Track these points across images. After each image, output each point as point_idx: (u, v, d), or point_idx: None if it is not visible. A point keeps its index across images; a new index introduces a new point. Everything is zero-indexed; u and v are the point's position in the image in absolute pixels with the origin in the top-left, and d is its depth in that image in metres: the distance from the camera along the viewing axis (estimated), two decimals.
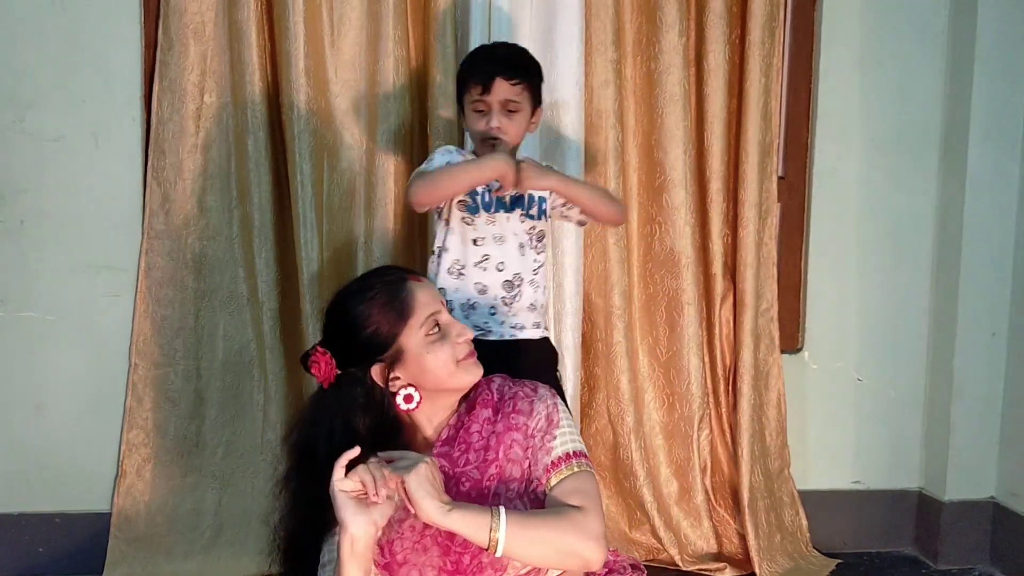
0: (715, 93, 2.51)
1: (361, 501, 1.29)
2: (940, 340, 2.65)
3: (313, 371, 1.43)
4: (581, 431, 2.50)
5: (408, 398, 1.45)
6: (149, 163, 2.38)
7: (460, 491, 1.42)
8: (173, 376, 2.42)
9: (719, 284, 2.58)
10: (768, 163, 2.52)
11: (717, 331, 2.60)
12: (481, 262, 1.98)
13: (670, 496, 2.58)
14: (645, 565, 1.80)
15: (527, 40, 2.33)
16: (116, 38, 2.36)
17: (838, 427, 2.71)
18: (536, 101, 2.01)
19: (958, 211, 2.57)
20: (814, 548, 2.61)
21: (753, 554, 2.49)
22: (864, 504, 2.72)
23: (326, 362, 1.43)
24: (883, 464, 2.72)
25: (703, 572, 2.50)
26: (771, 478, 2.59)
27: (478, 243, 1.98)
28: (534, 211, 2.02)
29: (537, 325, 2.04)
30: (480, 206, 1.97)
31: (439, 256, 2.01)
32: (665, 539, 2.51)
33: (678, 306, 2.54)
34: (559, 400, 1.53)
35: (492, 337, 1.96)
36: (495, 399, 1.51)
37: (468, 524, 1.31)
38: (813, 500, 2.64)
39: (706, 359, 2.59)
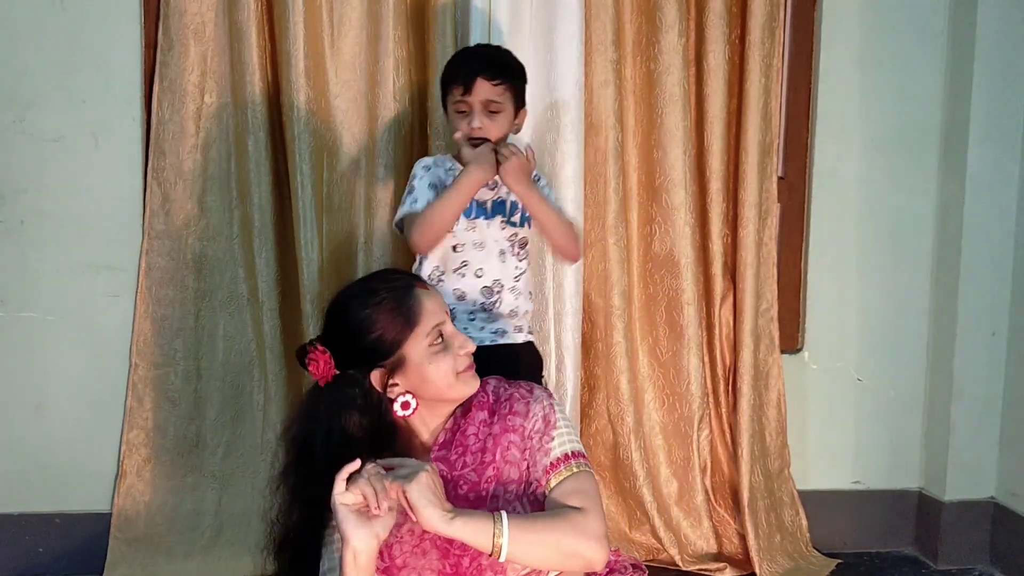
0: (715, 93, 2.51)
1: (363, 514, 1.29)
2: (940, 340, 2.65)
3: (311, 368, 1.43)
4: (581, 431, 2.50)
5: (405, 405, 1.45)
6: (149, 163, 2.38)
7: (458, 494, 1.42)
8: (173, 376, 2.42)
9: (719, 284, 2.58)
10: (768, 163, 2.52)
11: (717, 331, 2.60)
12: (460, 268, 1.97)
13: (670, 496, 2.58)
14: (645, 565, 1.80)
15: (527, 40, 2.33)
16: (116, 38, 2.36)
17: (838, 427, 2.71)
18: (519, 102, 2.00)
19: (958, 211, 2.57)
20: (814, 548, 2.62)
21: (753, 554, 2.49)
22: (864, 504, 2.72)
23: (325, 361, 1.42)
24: (883, 464, 2.72)
25: (703, 572, 2.50)
26: (771, 478, 2.59)
27: (457, 249, 1.97)
28: (516, 218, 2.00)
29: (520, 329, 2.02)
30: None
31: (419, 263, 2.00)
32: (665, 539, 2.51)
33: (678, 306, 2.54)
34: (555, 400, 1.52)
35: None
36: (490, 401, 1.51)
37: (471, 531, 1.31)
38: (813, 500, 2.64)
39: (706, 359, 2.59)
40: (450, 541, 1.38)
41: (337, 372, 1.43)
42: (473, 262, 1.97)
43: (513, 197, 1.97)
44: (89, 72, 2.35)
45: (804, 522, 2.61)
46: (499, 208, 1.98)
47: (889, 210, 2.67)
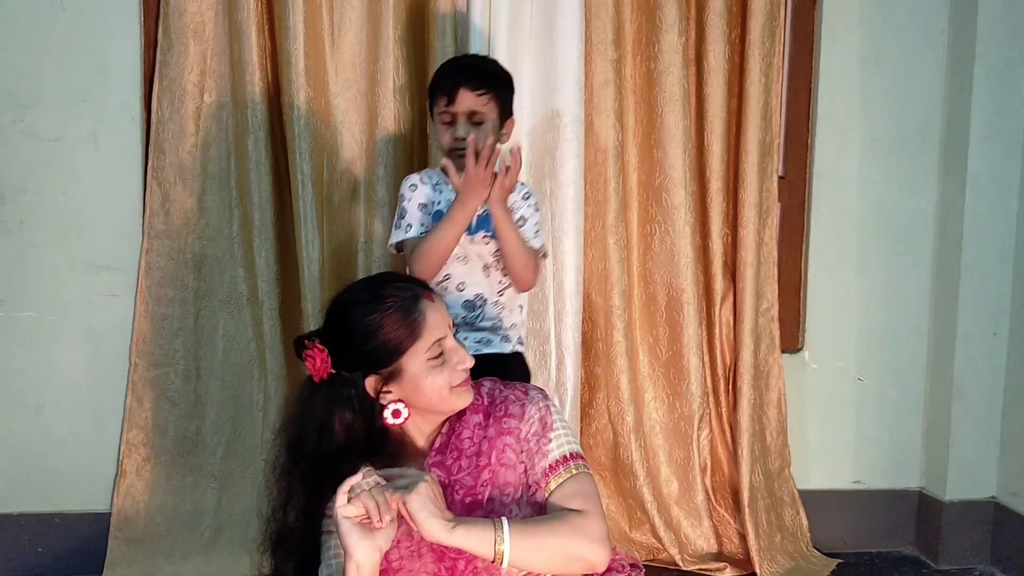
0: (715, 93, 2.51)
1: (365, 526, 1.29)
2: (941, 340, 2.65)
3: (307, 364, 1.42)
4: (581, 431, 2.51)
5: (396, 413, 1.44)
6: (149, 163, 2.38)
7: (455, 499, 1.42)
8: (173, 376, 2.41)
9: (719, 284, 2.58)
10: (768, 163, 2.52)
11: (717, 331, 2.60)
12: (442, 282, 1.96)
13: (670, 496, 2.58)
14: (645, 565, 1.79)
15: (527, 39, 2.33)
16: (116, 38, 2.36)
17: (838, 427, 2.71)
18: (506, 112, 1.98)
19: (958, 211, 2.57)
20: (814, 548, 2.61)
21: (753, 554, 2.49)
22: (864, 504, 2.71)
23: (322, 360, 1.42)
24: (883, 464, 2.72)
25: (703, 572, 2.50)
26: (771, 478, 2.59)
27: None
28: None
29: (506, 339, 2.01)
30: None
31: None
32: (665, 539, 2.50)
33: (678, 306, 2.53)
34: (551, 402, 1.51)
35: None
36: (485, 403, 1.50)
37: (473, 540, 1.30)
38: (813, 500, 2.64)
39: (706, 359, 2.59)
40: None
41: (333, 371, 1.43)
42: (456, 276, 1.97)
43: None
44: (89, 72, 2.35)
45: (804, 522, 2.61)
46: (484, 223, 1.95)
47: (889, 210, 2.66)
